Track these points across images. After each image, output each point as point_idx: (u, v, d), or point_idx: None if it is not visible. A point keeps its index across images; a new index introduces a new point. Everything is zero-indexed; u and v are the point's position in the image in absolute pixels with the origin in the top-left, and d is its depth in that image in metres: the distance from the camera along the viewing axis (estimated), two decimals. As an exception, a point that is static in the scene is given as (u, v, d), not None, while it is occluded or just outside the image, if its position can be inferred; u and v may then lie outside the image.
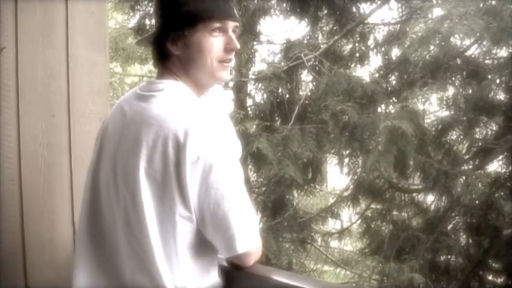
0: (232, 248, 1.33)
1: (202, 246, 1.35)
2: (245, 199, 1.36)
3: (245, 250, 1.35)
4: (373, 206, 6.22)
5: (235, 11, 1.45)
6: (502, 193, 5.19)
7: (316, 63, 6.07)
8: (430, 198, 6.11)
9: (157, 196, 1.30)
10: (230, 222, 1.30)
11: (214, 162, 1.28)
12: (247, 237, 1.35)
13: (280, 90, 6.14)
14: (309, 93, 6.28)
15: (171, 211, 1.29)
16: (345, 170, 5.97)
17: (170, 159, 1.28)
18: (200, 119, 1.31)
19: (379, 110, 5.65)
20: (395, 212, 6.07)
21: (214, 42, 1.39)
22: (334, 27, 6.24)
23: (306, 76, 6.45)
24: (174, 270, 1.31)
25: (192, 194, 1.28)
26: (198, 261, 1.35)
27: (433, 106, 6.03)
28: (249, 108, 6.76)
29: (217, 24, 1.39)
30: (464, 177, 5.17)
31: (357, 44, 6.35)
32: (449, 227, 5.74)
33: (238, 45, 1.43)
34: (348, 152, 5.71)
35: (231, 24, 1.41)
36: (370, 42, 6.36)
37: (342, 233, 6.74)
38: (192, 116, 1.31)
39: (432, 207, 5.97)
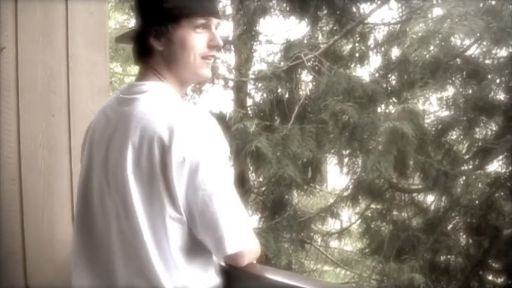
0: (222, 248, 1.33)
1: (197, 246, 1.35)
2: (234, 199, 1.35)
3: (235, 251, 1.34)
4: (373, 206, 6.21)
5: (219, 8, 1.46)
6: (502, 193, 5.19)
7: (316, 63, 6.07)
8: (430, 198, 6.10)
9: (146, 199, 1.29)
10: (219, 222, 1.30)
11: (201, 163, 1.27)
12: (237, 237, 1.34)
13: (280, 90, 6.14)
14: (308, 93, 6.27)
15: (161, 213, 1.29)
16: (345, 170, 5.97)
17: (156, 161, 1.27)
18: (185, 119, 1.31)
19: (379, 110, 5.65)
20: (395, 212, 6.07)
21: (198, 39, 1.39)
22: (334, 27, 6.24)
23: (305, 76, 6.45)
24: (172, 271, 1.31)
25: (180, 196, 1.28)
26: (194, 261, 1.35)
27: (433, 106, 6.03)
28: (248, 108, 6.76)
29: (201, 21, 1.38)
30: (464, 178, 5.17)
31: (356, 44, 6.34)
32: (449, 227, 5.74)
33: (221, 42, 1.42)
34: (347, 152, 5.71)
35: (214, 21, 1.41)
36: (370, 42, 6.36)
37: (341, 233, 6.74)
38: (177, 116, 1.30)
39: (432, 207, 5.97)
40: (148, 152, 1.28)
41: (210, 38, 1.41)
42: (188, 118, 1.32)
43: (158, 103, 1.35)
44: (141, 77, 1.43)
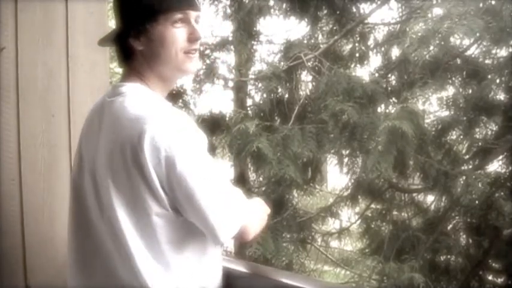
0: (215, 237, 1.34)
1: (188, 237, 1.36)
2: (218, 185, 1.34)
3: (229, 236, 1.35)
4: (373, 206, 6.21)
5: (197, 1, 1.43)
6: (502, 193, 5.18)
7: (316, 63, 6.06)
8: (430, 198, 6.10)
9: (129, 201, 1.31)
10: (206, 215, 1.30)
11: (176, 160, 1.27)
12: (228, 223, 1.34)
13: (280, 90, 6.13)
14: (308, 93, 6.27)
15: (146, 212, 1.30)
16: (345, 169, 5.96)
17: (131, 165, 1.28)
18: (153, 120, 1.30)
19: (379, 110, 5.65)
20: (395, 212, 6.06)
21: (177, 34, 1.38)
22: (334, 27, 6.24)
23: (305, 76, 6.44)
24: (164, 266, 1.33)
25: (164, 193, 1.29)
26: (186, 253, 1.36)
27: (433, 106, 6.02)
28: (248, 108, 6.75)
29: (178, 15, 1.37)
30: (464, 177, 5.16)
31: (356, 44, 6.34)
32: (449, 227, 5.73)
33: (201, 35, 1.41)
34: (347, 152, 5.71)
35: (193, 14, 1.40)
36: (370, 42, 6.35)
37: (341, 233, 6.74)
38: (146, 119, 1.30)
39: (432, 207, 5.96)
40: (122, 158, 1.29)
41: (189, 32, 1.39)
42: (157, 118, 1.31)
43: (131, 107, 1.34)
44: (123, 78, 1.44)
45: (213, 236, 1.33)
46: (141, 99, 1.37)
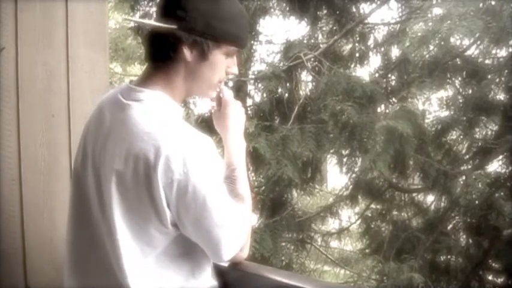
0: (218, 257, 1.37)
1: (184, 252, 1.37)
2: (225, 210, 1.34)
3: (231, 256, 1.38)
4: (372, 206, 6.21)
5: None
6: (502, 193, 5.19)
7: (316, 63, 6.06)
8: (430, 198, 6.10)
9: (130, 211, 1.30)
10: (213, 237, 1.32)
11: (189, 186, 1.27)
12: (232, 245, 1.36)
13: (279, 90, 6.13)
14: (308, 93, 6.27)
15: (145, 225, 1.30)
16: (344, 169, 5.96)
17: (141, 179, 1.27)
18: (172, 139, 1.29)
19: (378, 110, 5.65)
20: (395, 212, 6.07)
21: (224, 63, 1.42)
22: (334, 27, 6.23)
23: (305, 76, 6.44)
24: (154, 275, 1.34)
25: (169, 213, 1.29)
26: (181, 268, 1.37)
27: (433, 106, 6.03)
28: (248, 108, 6.75)
29: (234, 50, 1.42)
30: (464, 177, 5.17)
31: (356, 44, 6.34)
32: (449, 227, 5.73)
33: (237, 71, 1.47)
34: (347, 151, 5.71)
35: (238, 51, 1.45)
36: (370, 42, 6.35)
37: (341, 233, 6.74)
38: (164, 136, 1.28)
39: (432, 207, 5.96)
40: (134, 168, 1.28)
41: (229, 65, 1.43)
42: (176, 138, 1.30)
43: (150, 119, 1.32)
44: (144, 81, 1.40)
45: (216, 256, 1.37)
46: (161, 112, 1.35)
